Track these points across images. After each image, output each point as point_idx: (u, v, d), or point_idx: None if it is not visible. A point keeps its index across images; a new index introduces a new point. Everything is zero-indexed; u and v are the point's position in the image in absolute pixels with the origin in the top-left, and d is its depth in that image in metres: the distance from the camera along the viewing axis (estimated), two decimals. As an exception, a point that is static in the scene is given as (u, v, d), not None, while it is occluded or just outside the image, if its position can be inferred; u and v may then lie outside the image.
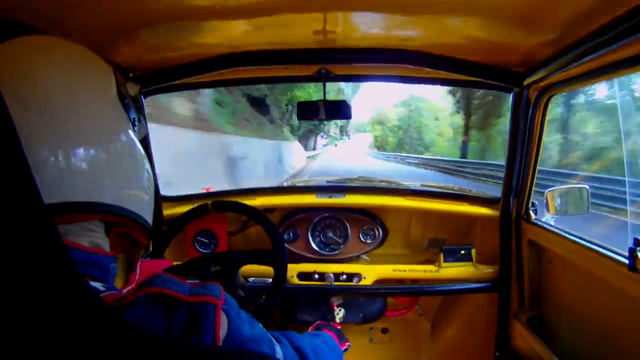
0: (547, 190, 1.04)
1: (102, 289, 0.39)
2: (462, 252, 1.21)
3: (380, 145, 36.88)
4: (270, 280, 0.99)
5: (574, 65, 0.73)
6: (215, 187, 1.53)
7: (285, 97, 14.98)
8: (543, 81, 0.91)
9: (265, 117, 13.05)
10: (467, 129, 18.48)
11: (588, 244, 0.83)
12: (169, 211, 1.24)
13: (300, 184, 1.94)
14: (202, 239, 1.30)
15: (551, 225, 1.02)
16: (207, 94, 8.19)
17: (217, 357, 0.34)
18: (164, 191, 1.27)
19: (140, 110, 1.03)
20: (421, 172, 14.96)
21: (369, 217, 1.33)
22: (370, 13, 0.75)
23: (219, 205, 1.02)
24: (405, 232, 1.37)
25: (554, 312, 1.03)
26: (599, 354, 0.84)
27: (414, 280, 1.22)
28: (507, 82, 0.99)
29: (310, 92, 12.94)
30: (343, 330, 1.00)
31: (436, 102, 31.35)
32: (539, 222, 1.05)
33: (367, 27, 0.83)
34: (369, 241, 1.34)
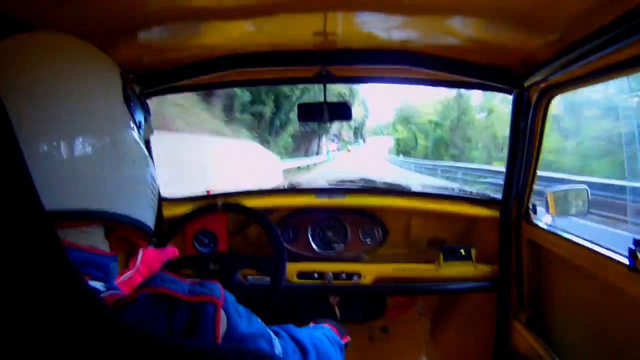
0: (548, 190, 1.05)
1: (102, 288, 0.39)
2: (462, 251, 1.22)
3: (403, 150, 28.98)
4: (269, 279, 1.00)
5: (574, 66, 0.73)
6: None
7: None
8: (544, 82, 0.91)
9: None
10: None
11: (588, 245, 0.84)
12: (169, 212, 1.24)
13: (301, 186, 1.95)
14: (202, 239, 1.30)
15: (551, 226, 1.02)
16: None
17: (215, 356, 0.34)
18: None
19: (146, 111, 1.03)
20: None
21: (369, 217, 1.33)
22: (370, 14, 0.75)
23: (229, 207, 1.04)
24: (404, 232, 1.37)
25: (553, 311, 1.03)
26: (599, 354, 0.85)
27: (414, 280, 1.23)
28: (507, 84, 0.99)
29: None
30: None
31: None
32: (539, 223, 1.06)
33: (368, 28, 0.82)
34: (368, 241, 1.34)
